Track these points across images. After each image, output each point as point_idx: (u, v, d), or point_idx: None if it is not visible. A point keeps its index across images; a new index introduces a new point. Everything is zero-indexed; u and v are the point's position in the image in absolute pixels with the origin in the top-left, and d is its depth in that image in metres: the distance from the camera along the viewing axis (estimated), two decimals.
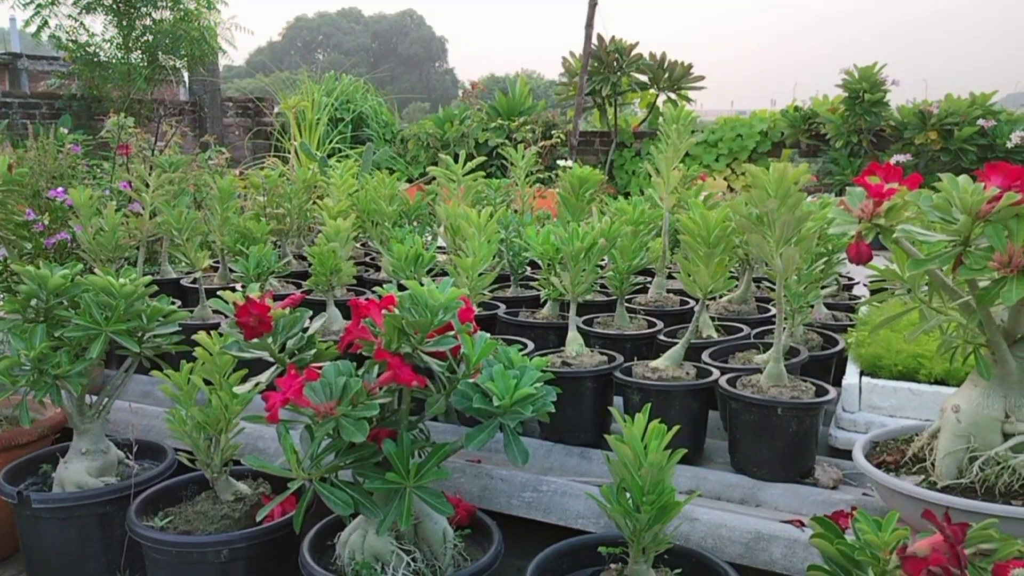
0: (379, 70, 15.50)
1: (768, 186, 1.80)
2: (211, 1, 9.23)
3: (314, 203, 3.72)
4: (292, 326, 1.68)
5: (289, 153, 8.15)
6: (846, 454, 2.11)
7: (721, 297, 2.93)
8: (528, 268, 3.33)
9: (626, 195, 7.40)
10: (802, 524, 1.75)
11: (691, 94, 9.40)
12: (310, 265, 2.65)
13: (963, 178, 1.40)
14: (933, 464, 1.63)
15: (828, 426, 2.23)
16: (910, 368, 2.19)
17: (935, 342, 2.14)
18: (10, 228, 2.52)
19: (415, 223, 3.60)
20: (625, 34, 9.71)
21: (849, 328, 2.60)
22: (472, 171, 3.47)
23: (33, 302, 1.96)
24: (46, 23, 8.72)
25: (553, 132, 9.29)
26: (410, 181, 8.47)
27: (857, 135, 8.09)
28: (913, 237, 1.49)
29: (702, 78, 9.29)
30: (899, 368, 2.20)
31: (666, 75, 9.29)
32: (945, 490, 1.55)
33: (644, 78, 9.48)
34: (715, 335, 2.55)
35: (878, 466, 1.68)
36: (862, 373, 2.26)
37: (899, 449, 1.78)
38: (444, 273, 2.75)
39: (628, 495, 1.48)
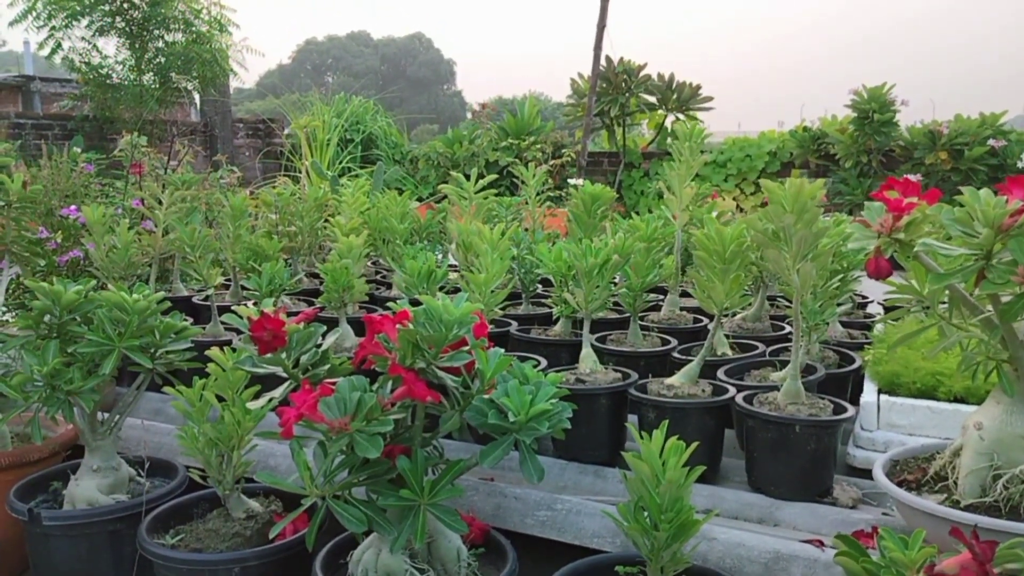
0: (388, 92, 15.60)
1: (784, 201, 1.79)
2: (223, 24, 9.33)
3: (325, 222, 3.73)
4: (306, 341, 1.67)
5: (300, 173, 8.19)
6: (864, 473, 2.09)
7: (735, 315, 2.91)
8: (539, 286, 3.32)
9: (631, 215, 7.39)
10: (822, 544, 1.72)
11: (699, 115, 9.42)
12: (322, 283, 2.65)
13: (985, 191, 1.39)
14: (956, 483, 1.60)
15: (846, 445, 2.20)
16: (929, 386, 2.16)
17: (954, 359, 2.12)
18: (24, 245, 2.53)
19: (426, 241, 3.60)
20: (631, 55, 9.75)
21: (866, 346, 2.58)
22: (483, 189, 3.47)
23: (46, 318, 1.96)
24: (60, 45, 8.83)
25: (563, 151, 9.32)
26: (420, 200, 8.49)
27: (867, 155, 8.09)
28: (934, 252, 1.47)
29: (711, 99, 9.32)
30: (918, 386, 2.17)
31: (675, 96, 9.32)
32: (968, 509, 1.52)
33: (652, 99, 9.53)
34: (730, 352, 2.53)
35: (899, 485, 1.66)
36: (880, 391, 2.23)
37: (920, 468, 1.75)
38: (456, 290, 2.74)
39: (646, 513, 1.46)
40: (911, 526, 1.56)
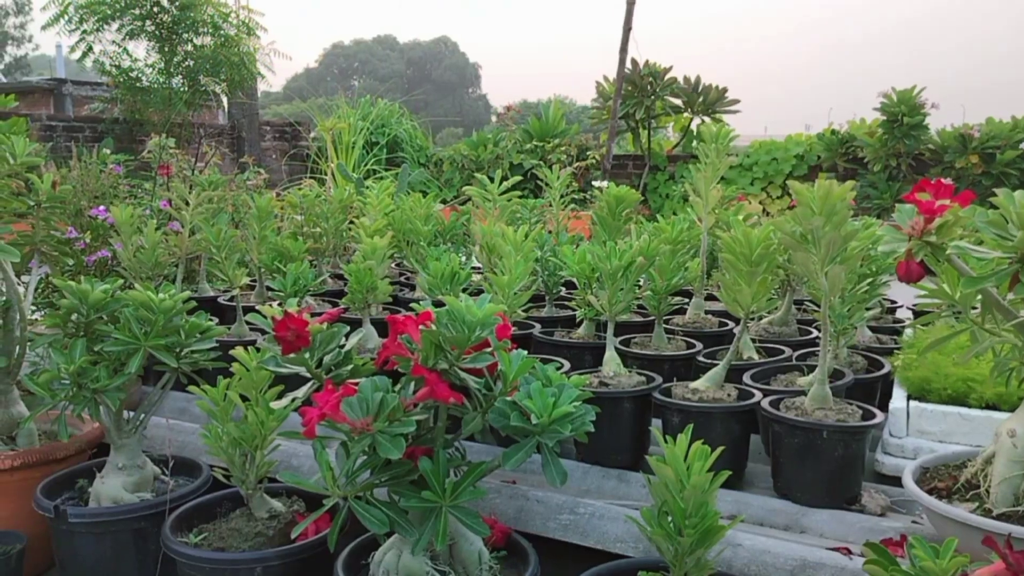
0: (413, 95, 15.67)
1: (813, 203, 1.76)
2: (251, 27, 9.43)
3: (350, 223, 3.74)
4: (329, 341, 1.67)
5: (325, 175, 8.24)
6: (893, 480, 2.05)
7: (761, 319, 2.88)
8: (563, 288, 3.30)
9: (656, 219, 7.36)
10: (849, 552, 1.69)
11: (725, 118, 9.36)
12: (346, 284, 2.65)
13: (1019, 193, 1.36)
14: (988, 491, 1.56)
15: (874, 451, 2.16)
16: (960, 392, 2.12)
17: (986, 365, 2.08)
18: (53, 245, 2.55)
19: (450, 243, 3.60)
20: (656, 57, 9.70)
21: (895, 351, 2.54)
22: (507, 191, 3.46)
23: (74, 317, 1.98)
24: (91, 49, 8.96)
25: (587, 154, 9.30)
26: (444, 203, 8.51)
27: (896, 159, 7.99)
28: (966, 255, 1.44)
29: (737, 101, 9.26)
30: (948, 392, 2.13)
31: (700, 99, 9.27)
32: (1001, 517, 1.49)
33: (678, 102, 9.48)
34: (756, 356, 2.50)
35: (929, 492, 1.63)
36: (909, 397, 2.19)
37: (951, 475, 1.71)
38: (479, 292, 2.73)
39: (670, 518, 1.44)
40: (941, 535, 1.52)
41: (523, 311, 2.59)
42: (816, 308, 3.01)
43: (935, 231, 1.43)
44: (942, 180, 1.50)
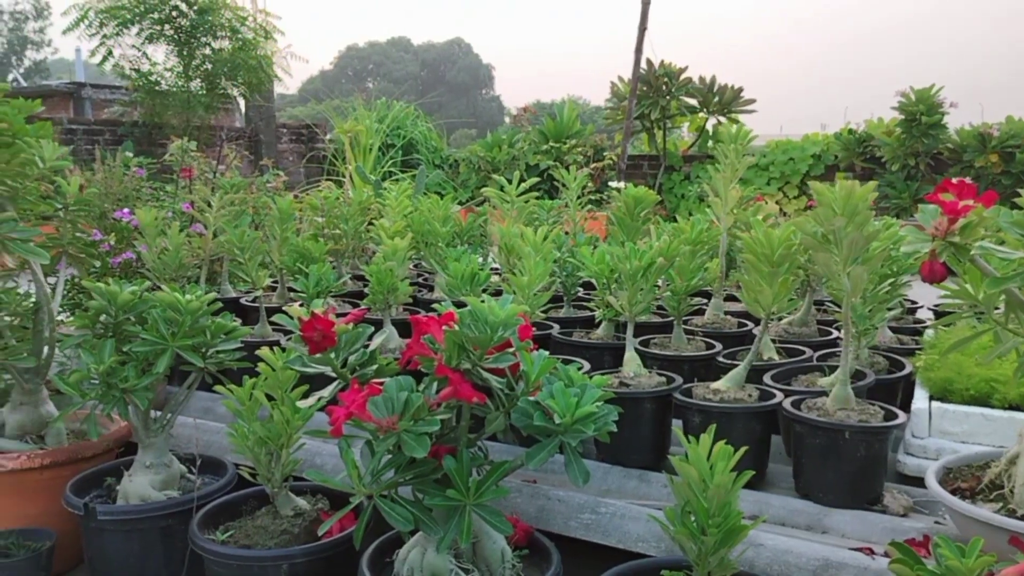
0: (428, 97, 15.72)
1: (835, 204, 1.77)
2: (268, 31, 9.49)
3: (369, 225, 3.77)
4: (354, 341, 1.69)
5: (343, 177, 8.28)
6: (915, 481, 2.05)
7: (781, 319, 2.88)
8: (580, 289, 3.31)
9: (675, 219, 7.36)
10: (872, 552, 1.69)
11: (740, 118, 9.34)
12: (365, 285, 2.68)
13: None
14: (1012, 491, 1.57)
15: (895, 452, 2.16)
16: (983, 393, 2.11)
17: (1010, 365, 2.07)
18: (79, 247, 2.59)
19: (467, 244, 3.62)
20: (670, 57, 9.68)
21: (916, 351, 2.53)
22: (525, 192, 3.47)
23: (102, 317, 2.01)
24: (111, 53, 9.05)
25: (605, 154, 9.30)
26: (460, 204, 8.54)
27: (914, 158, 7.94)
28: (990, 255, 1.44)
29: (753, 101, 9.23)
30: (971, 393, 2.13)
31: (716, 99, 9.25)
32: None
33: (693, 102, 9.46)
34: (776, 357, 2.50)
35: (953, 493, 1.63)
36: (931, 398, 2.19)
37: (974, 476, 1.71)
38: (497, 293, 2.75)
39: (693, 518, 1.45)
40: (965, 535, 1.53)
41: (542, 312, 2.60)
42: (837, 309, 3.01)
43: (959, 231, 1.43)
44: (965, 180, 1.50)
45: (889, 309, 2.48)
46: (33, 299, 2.34)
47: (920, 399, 2.19)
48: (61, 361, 2.64)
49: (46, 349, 2.35)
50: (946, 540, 1.18)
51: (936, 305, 3.35)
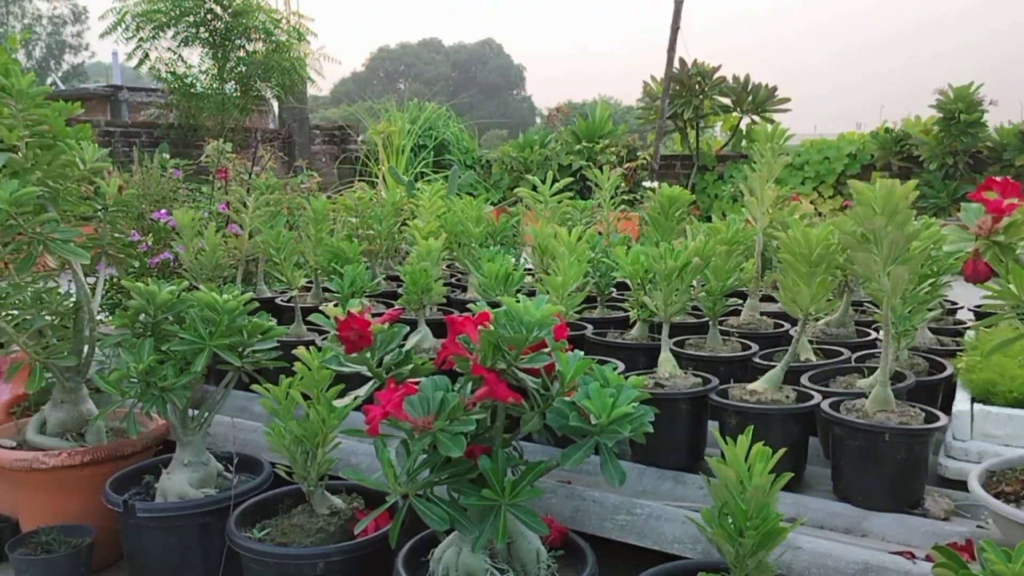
0: (459, 98, 15.76)
1: (875, 203, 1.74)
2: (301, 33, 9.59)
3: (403, 225, 3.79)
4: (390, 341, 1.70)
5: (376, 178, 8.34)
6: (956, 484, 2.01)
7: (819, 320, 2.84)
8: (614, 289, 3.30)
9: (708, 219, 7.31)
10: (913, 556, 1.66)
11: (774, 117, 9.24)
12: (399, 285, 2.69)
13: None
14: None
15: (936, 455, 2.12)
16: None
17: None
18: (118, 248, 2.64)
19: (500, 244, 3.62)
20: (702, 56, 9.62)
21: (957, 353, 2.48)
22: (558, 192, 3.47)
23: (141, 317, 2.04)
24: (147, 56, 9.19)
25: (638, 154, 9.26)
26: (493, 204, 8.56)
27: (952, 157, 7.81)
28: None
29: (787, 100, 9.14)
30: (1014, 395, 2.08)
31: (750, 98, 9.17)
32: None
33: (727, 101, 9.39)
34: (813, 358, 2.47)
35: (996, 496, 1.59)
36: (974, 400, 2.14)
37: (1018, 479, 1.68)
38: (531, 293, 2.74)
39: (731, 519, 1.44)
40: (1010, 540, 1.49)
41: (575, 312, 2.60)
42: (876, 309, 2.96)
43: (1003, 230, 1.40)
44: (1008, 179, 1.47)
45: (929, 310, 2.44)
46: (73, 299, 2.38)
47: (962, 401, 2.15)
48: (101, 360, 2.68)
49: (86, 348, 2.39)
50: (992, 544, 1.16)
51: (977, 306, 3.29)
